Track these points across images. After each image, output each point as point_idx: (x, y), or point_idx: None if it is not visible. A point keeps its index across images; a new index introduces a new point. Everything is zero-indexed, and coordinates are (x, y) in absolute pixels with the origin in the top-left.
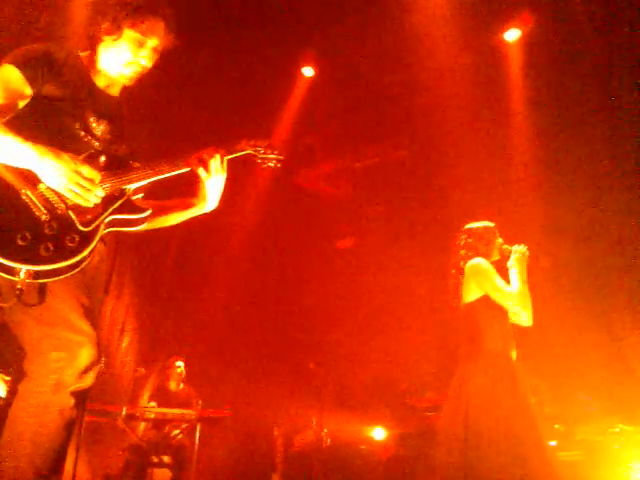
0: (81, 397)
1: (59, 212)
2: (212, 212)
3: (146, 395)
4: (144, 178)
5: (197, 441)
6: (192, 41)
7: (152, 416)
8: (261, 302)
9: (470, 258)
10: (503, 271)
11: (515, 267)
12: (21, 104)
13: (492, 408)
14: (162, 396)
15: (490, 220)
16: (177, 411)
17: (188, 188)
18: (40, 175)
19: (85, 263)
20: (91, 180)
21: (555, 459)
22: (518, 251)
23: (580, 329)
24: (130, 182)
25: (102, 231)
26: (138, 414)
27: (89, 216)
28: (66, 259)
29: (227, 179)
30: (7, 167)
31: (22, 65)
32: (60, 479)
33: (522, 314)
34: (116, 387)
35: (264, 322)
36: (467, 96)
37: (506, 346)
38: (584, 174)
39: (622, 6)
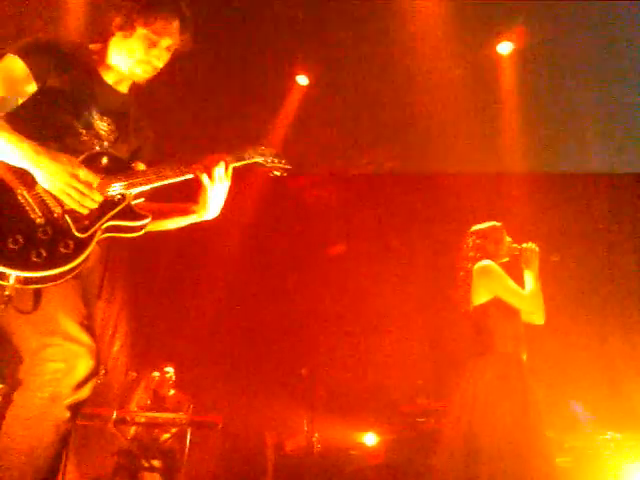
0: (77, 409)
1: (55, 215)
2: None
3: (136, 399)
4: (146, 183)
5: (188, 446)
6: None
7: (143, 420)
8: (253, 308)
9: (479, 260)
10: (512, 270)
11: (527, 266)
12: (24, 97)
13: (499, 412)
14: (152, 402)
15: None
16: (168, 415)
17: (189, 191)
18: (35, 176)
19: (77, 270)
20: (88, 185)
21: (557, 467)
22: (528, 249)
23: (571, 336)
24: (132, 187)
25: (98, 237)
26: (129, 418)
27: (86, 221)
28: (58, 266)
29: None
30: (4, 165)
31: (27, 56)
32: None
33: (533, 314)
34: (107, 391)
35: (256, 327)
36: (460, 106)
37: (517, 348)
38: (576, 184)
39: (614, 17)
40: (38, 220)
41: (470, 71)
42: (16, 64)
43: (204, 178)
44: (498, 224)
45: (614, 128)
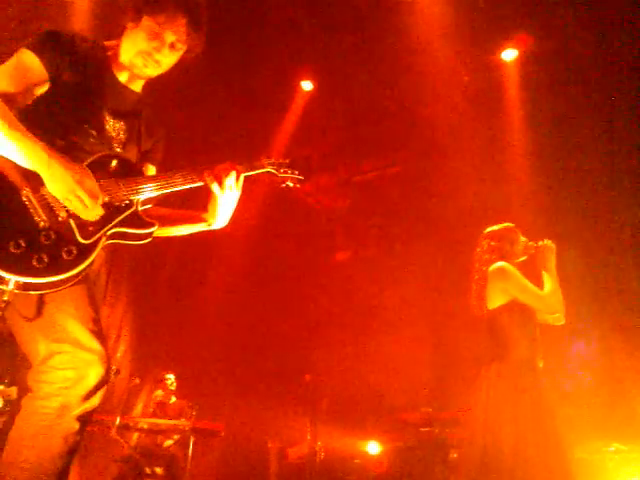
0: (86, 420)
1: (59, 220)
2: None
3: (140, 406)
4: (155, 190)
5: (190, 453)
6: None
7: (146, 427)
8: (256, 314)
9: (494, 262)
10: (530, 270)
11: (544, 265)
12: (37, 92)
13: (513, 420)
14: (155, 410)
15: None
16: (171, 422)
17: (196, 198)
18: (44, 178)
19: (79, 277)
20: (93, 196)
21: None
22: (544, 246)
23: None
24: (140, 193)
25: (103, 244)
26: (132, 424)
27: (91, 227)
28: (59, 273)
29: None
30: (10, 164)
31: (40, 51)
32: None
33: (554, 314)
34: (110, 396)
35: (259, 334)
36: (464, 113)
37: (532, 354)
38: (580, 187)
39: (617, 26)
40: (42, 224)
41: (474, 77)
42: (30, 59)
43: (214, 187)
44: (511, 225)
45: (613, 128)
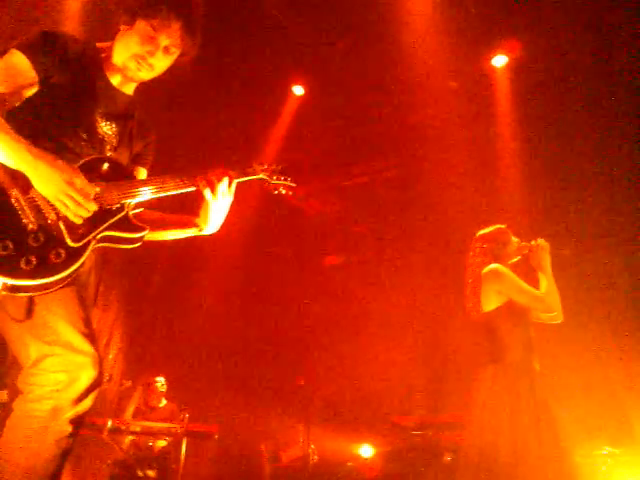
0: (78, 423)
1: (49, 222)
2: None
3: (131, 409)
4: (147, 194)
5: (183, 456)
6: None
7: (138, 429)
8: (249, 318)
9: (487, 264)
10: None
11: (538, 264)
12: (26, 94)
13: (510, 423)
14: (145, 413)
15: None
16: (163, 425)
17: (189, 202)
18: (32, 179)
19: (68, 280)
20: (85, 194)
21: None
22: (538, 246)
23: (567, 349)
24: (131, 197)
25: (93, 247)
26: (123, 427)
27: (81, 230)
28: (47, 276)
29: None
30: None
31: (30, 52)
32: None
33: (552, 313)
34: (101, 400)
35: (252, 337)
36: (455, 118)
37: (528, 357)
38: (571, 191)
39: (608, 30)
40: (30, 226)
41: (465, 82)
42: (19, 60)
43: (206, 192)
44: (503, 226)
45: (610, 134)
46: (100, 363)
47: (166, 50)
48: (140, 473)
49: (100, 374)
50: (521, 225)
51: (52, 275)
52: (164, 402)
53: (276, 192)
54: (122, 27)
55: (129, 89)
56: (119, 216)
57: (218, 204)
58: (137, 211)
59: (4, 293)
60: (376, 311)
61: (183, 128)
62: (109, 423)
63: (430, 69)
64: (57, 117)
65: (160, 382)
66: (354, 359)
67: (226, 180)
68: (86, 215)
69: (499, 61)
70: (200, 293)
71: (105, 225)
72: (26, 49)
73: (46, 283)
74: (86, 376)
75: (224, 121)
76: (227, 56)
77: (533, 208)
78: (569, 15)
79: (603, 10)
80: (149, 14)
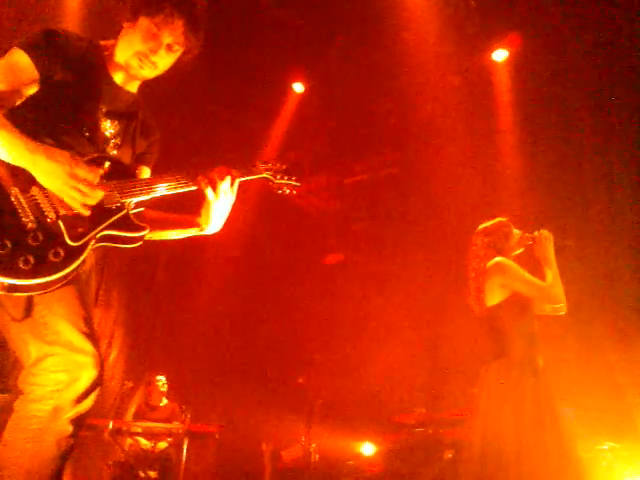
0: (79, 423)
1: (48, 221)
2: None
3: (132, 409)
4: (148, 193)
5: (184, 456)
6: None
7: (139, 430)
8: (250, 317)
9: (490, 258)
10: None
11: (542, 255)
12: (28, 92)
13: (514, 420)
14: (146, 412)
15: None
16: (164, 425)
17: (190, 202)
18: (34, 174)
19: (67, 279)
20: (89, 183)
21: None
22: (541, 237)
23: (568, 344)
24: (132, 196)
25: (92, 246)
26: (125, 428)
27: (80, 229)
28: (45, 275)
29: None
30: (0, 162)
31: (32, 50)
32: None
33: (558, 304)
34: (103, 400)
35: (253, 336)
36: (455, 113)
37: (532, 351)
38: (573, 185)
39: (608, 25)
40: (29, 225)
41: (465, 78)
42: (21, 58)
43: (208, 192)
44: (504, 219)
45: (611, 128)
46: (101, 363)
47: (169, 48)
48: (141, 474)
49: (101, 374)
50: (523, 219)
51: (50, 274)
52: (165, 401)
53: (280, 192)
54: (125, 25)
55: (132, 87)
56: (119, 215)
57: (220, 203)
58: (138, 210)
59: (2, 292)
60: (376, 309)
61: (183, 126)
62: (110, 424)
63: (430, 64)
64: (59, 115)
65: (161, 381)
66: (354, 357)
67: (228, 179)
68: (93, 203)
69: (500, 55)
70: (201, 293)
71: (105, 224)
72: (28, 47)
73: (44, 282)
74: (87, 376)
75: (225, 119)
76: (227, 54)
77: (534, 202)
78: (569, 9)
79: (604, 3)
80: (152, 12)
